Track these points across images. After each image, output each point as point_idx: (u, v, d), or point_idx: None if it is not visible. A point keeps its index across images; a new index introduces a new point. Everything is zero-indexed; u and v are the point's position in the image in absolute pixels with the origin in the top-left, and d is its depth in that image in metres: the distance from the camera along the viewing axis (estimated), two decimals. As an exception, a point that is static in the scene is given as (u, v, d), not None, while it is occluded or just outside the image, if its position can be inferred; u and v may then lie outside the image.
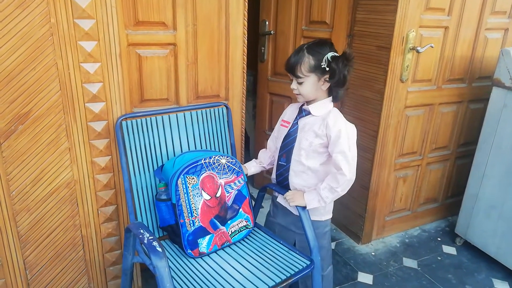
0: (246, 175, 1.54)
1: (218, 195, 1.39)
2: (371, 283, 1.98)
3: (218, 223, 1.40)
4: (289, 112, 1.55)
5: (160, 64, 1.59)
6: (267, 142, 1.65)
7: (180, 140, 1.52)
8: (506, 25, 2.22)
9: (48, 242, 1.46)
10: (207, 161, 1.37)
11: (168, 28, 1.56)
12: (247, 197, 1.49)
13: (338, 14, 2.09)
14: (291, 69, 1.39)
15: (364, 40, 2.02)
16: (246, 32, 1.70)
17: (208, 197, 1.37)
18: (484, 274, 2.08)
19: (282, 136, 1.51)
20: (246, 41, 1.71)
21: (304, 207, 1.43)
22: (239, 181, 1.46)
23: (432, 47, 1.95)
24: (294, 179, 1.48)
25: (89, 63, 1.34)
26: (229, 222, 1.43)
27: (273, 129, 1.63)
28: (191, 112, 1.54)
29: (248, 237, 1.52)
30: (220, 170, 1.40)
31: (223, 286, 1.24)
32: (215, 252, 1.42)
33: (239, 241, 1.48)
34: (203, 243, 1.37)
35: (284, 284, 1.28)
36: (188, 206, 1.33)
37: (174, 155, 1.49)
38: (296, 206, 1.44)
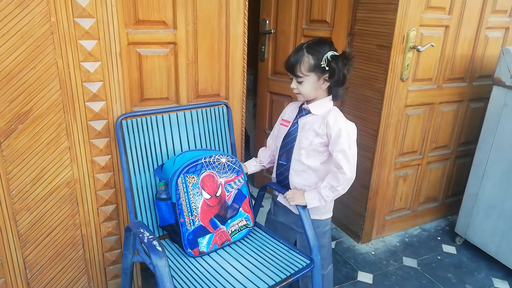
0: (246, 173, 1.54)
1: (218, 194, 1.39)
2: (371, 282, 1.98)
3: (218, 222, 1.40)
4: (289, 111, 1.54)
5: (160, 63, 1.59)
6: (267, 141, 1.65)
7: (180, 139, 1.52)
8: (507, 24, 2.21)
9: (48, 241, 1.46)
10: (207, 160, 1.37)
11: (169, 27, 1.55)
12: (247, 196, 1.49)
13: (338, 13, 2.09)
14: (291, 68, 1.39)
15: (364, 39, 2.02)
16: (246, 31, 1.70)
17: (208, 196, 1.37)
18: (484, 273, 2.08)
19: (282, 135, 1.51)
20: (246, 40, 1.71)
21: (304, 206, 1.43)
22: (239, 180, 1.46)
23: (432, 46, 1.95)
24: (294, 178, 1.48)
25: (89, 62, 1.34)
26: (229, 221, 1.43)
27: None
28: (191, 111, 1.54)
29: (248, 236, 1.52)
30: (220, 169, 1.40)
31: (223, 286, 1.24)
32: (215, 251, 1.42)
33: (239, 240, 1.48)
34: (203, 242, 1.37)
35: (284, 283, 1.28)
36: (188, 205, 1.33)
37: (174, 154, 1.49)
38: (296, 205, 1.44)
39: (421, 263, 2.14)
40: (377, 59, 1.96)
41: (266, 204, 1.71)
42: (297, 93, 1.43)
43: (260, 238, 1.51)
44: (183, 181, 1.32)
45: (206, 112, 1.58)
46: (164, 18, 1.53)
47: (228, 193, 1.42)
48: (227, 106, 1.63)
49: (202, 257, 1.38)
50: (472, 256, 2.21)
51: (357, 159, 1.39)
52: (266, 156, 1.63)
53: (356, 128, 1.42)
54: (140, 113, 1.44)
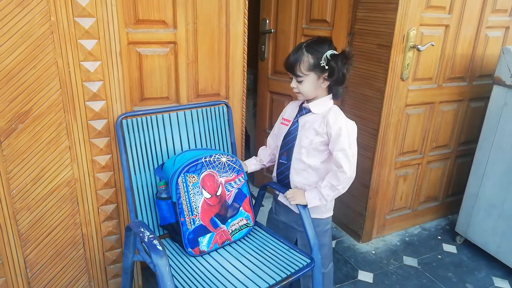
0: (246, 172, 1.54)
1: (218, 193, 1.39)
2: (371, 281, 1.98)
3: (218, 222, 1.40)
4: (289, 110, 1.55)
5: (161, 63, 1.59)
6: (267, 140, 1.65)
7: (181, 139, 1.52)
8: (507, 23, 2.21)
9: (49, 240, 1.46)
10: (207, 159, 1.37)
11: (169, 26, 1.55)
12: (248, 195, 1.49)
13: (338, 12, 2.09)
14: (291, 68, 1.39)
15: (364, 38, 2.02)
16: (246, 30, 1.70)
17: (208, 196, 1.37)
18: (484, 272, 2.08)
19: (282, 134, 1.51)
20: (246, 40, 1.71)
21: (305, 206, 1.43)
22: (239, 180, 1.46)
23: (432, 45, 1.95)
24: (294, 177, 1.48)
25: (89, 62, 1.34)
26: (229, 220, 1.43)
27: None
28: (191, 111, 1.54)
29: (248, 235, 1.52)
30: (221, 169, 1.40)
31: (223, 285, 1.24)
32: (216, 250, 1.42)
33: (239, 240, 1.49)
34: (204, 242, 1.37)
35: (285, 282, 1.28)
36: (188, 205, 1.33)
37: (175, 154, 1.49)
38: (296, 204, 1.44)
39: (421, 262, 2.14)
40: (377, 58, 1.96)
41: (267, 203, 1.71)
42: (297, 92, 1.43)
43: (261, 237, 1.51)
44: (183, 180, 1.32)
45: (206, 112, 1.58)
46: (164, 18, 1.53)
47: (228, 193, 1.42)
48: (227, 106, 1.63)
49: (203, 256, 1.39)
50: (473, 255, 2.21)
51: (357, 158, 1.39)
52: (266, 155, 1.63)
53: (356, 126, 1.42)
54: (140, 112, 1.44)
